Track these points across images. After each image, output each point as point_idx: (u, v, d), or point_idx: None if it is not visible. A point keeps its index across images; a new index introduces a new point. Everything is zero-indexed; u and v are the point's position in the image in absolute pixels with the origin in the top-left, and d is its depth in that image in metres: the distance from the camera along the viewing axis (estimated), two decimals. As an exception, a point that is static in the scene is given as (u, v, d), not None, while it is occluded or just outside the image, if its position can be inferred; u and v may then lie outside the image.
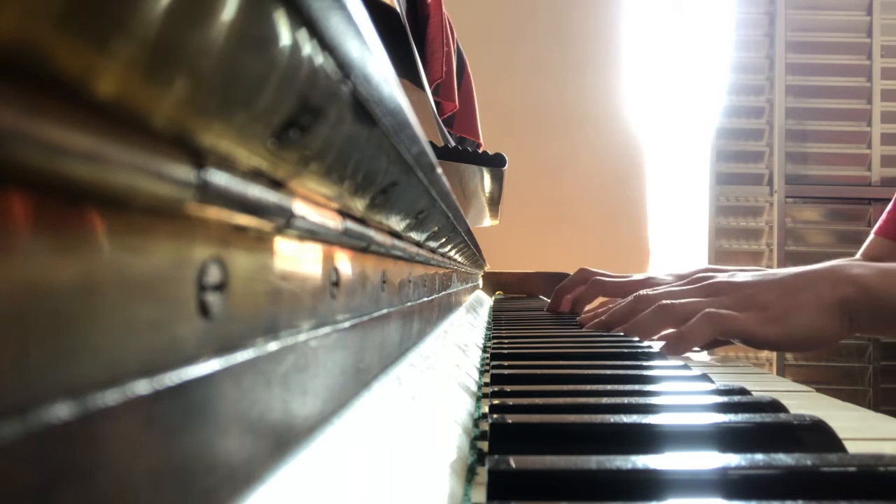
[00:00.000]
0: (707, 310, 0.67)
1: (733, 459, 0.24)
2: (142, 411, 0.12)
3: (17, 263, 0.09)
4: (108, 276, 0.11)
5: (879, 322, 0.68)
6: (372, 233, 0.27)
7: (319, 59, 0.15)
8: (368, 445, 0.22)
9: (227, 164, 0.14)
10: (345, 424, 0.22)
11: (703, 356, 0.76)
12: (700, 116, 2.38)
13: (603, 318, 0.80)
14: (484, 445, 0.29)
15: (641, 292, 0.78)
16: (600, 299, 1.04)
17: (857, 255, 1.16)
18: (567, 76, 2.34)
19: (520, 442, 0.29)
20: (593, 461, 0.23)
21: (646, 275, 0.98)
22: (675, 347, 0.68)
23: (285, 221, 0.17)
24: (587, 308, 1.04)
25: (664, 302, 0.72)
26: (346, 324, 0.25)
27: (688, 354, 0.72)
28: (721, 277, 0.75)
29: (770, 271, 0.74)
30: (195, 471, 0.13)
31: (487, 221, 1.54)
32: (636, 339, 0.69)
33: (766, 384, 0.55)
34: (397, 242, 0.33)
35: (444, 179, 0.37)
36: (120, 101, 0.10)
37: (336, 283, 0.24)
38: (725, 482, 0.23)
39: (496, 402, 0.34)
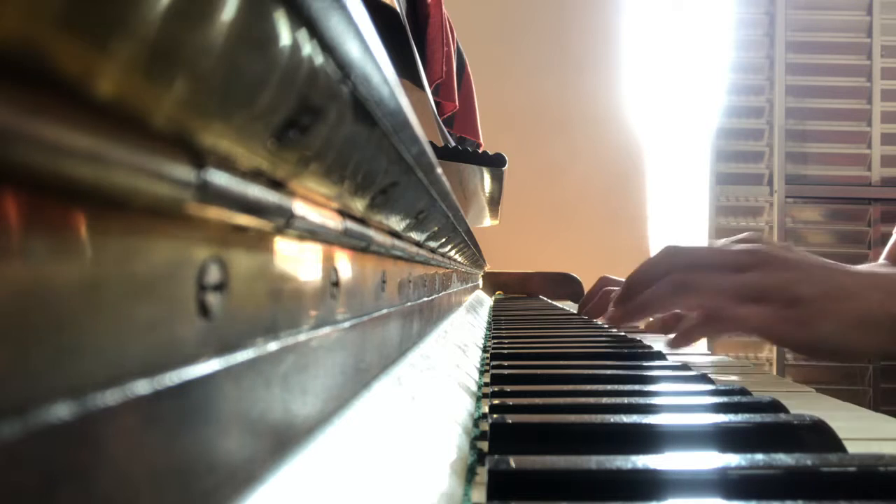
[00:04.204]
0: (708, 308, 0.60)
1: (733, 459, 0.24)
2: (142, 411, 0.12)
3: (16, 263, 0.09)
4: (108, 276, 0.11)
5: None
6: (372, 233, 0.27)
7: (319, 59, 0.15)
8: (368, 445, 0.22)
9: (227, 164, 0.14)
10: (345, 424, 0.22)
11: (703, 358, 0.72)
12: (700, 116, 2.38)
13: (631, 274, 0.72)
14: (484, 445, 0.29)
15: (673, 246, 0.69)
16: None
17: (882, 258, 1.15)
18: (567, 76, 2.34)
19: (520, 442, 0.29)
20: (593, 461, 0.23)
21: None
22: (678, 344, 0.63)
23: (285, 221, 0.17)
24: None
25: (680, 277, 0.64)
26: (346, 324, 0.25)
27: (688, 355, 0.69)
28: (773, 249, 0.64)
29: (831, 262, 0.63)
30: (195, 471, 0.13)
31: (487, 221, 1.54)
32: (637, 338, 0.68)
33: (766, 384, 0.55)
34: (397, 242, 0.33)
35: (444, 179, 0.37)
36: (120, 101, 0.10)
37: (336, 283, 0.24)
38: (725, 482, 0.23)
39: (496, 402, 0.34)
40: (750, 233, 0.70)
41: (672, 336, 0.64)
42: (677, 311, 0.71)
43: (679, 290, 0.63)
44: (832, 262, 0.63)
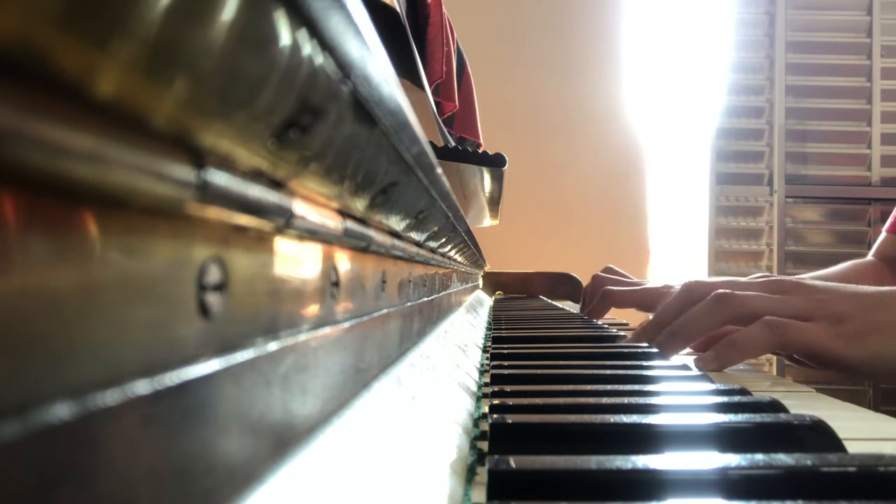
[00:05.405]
0: (767, 317, 0.56)
1: (733, 459, 0.24)
2: (142, 411, 0.12)
3: (16, 264, 0.09)
4: (109, 277, 0.11)
5: None
6: (372, 233, 0.27)
7: (319, 59, 0.15)
8: (368, 445, 0.22)
9: (227, 164, 0.14)
10: (345, 424, 0.22)
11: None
12: (700, 116, 2.38)
13: (651, 317, 0.69)
14: (484, 445, 0.29)
15: (692, 282, 0.66)
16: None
17: (870, 256, 1.15)
18: (567, 76, 2.34)
19: (520, 442, 0.29)
20: (593, 461, 0.23)
21: (663, 283, 0.86)
22: (724, 357, 0.57)
23: (285, 221, 0.17)
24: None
25: (721, 291, 0.60)
26: (346, 324, 0.25)
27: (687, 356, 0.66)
28: (793, 279, 0.63)
29: (848, 285, 0.61)
30: (195, 471, 0.13)
31: (487, 221, 1.54)
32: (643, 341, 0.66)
33: (765, 384, 0.55)
34: (397, 242, 0.33)
35: (444, 179, 0.37)
36: (120, 101, 0.10)
37: (336, 283, 0.24)
38: (725, 482, 0.23)
39: (496, 402, 0.34)
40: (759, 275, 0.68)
41: (718, 348, 0.57)
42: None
43: (727, 304, 0.59)
44: (848, 284, 0.62)
